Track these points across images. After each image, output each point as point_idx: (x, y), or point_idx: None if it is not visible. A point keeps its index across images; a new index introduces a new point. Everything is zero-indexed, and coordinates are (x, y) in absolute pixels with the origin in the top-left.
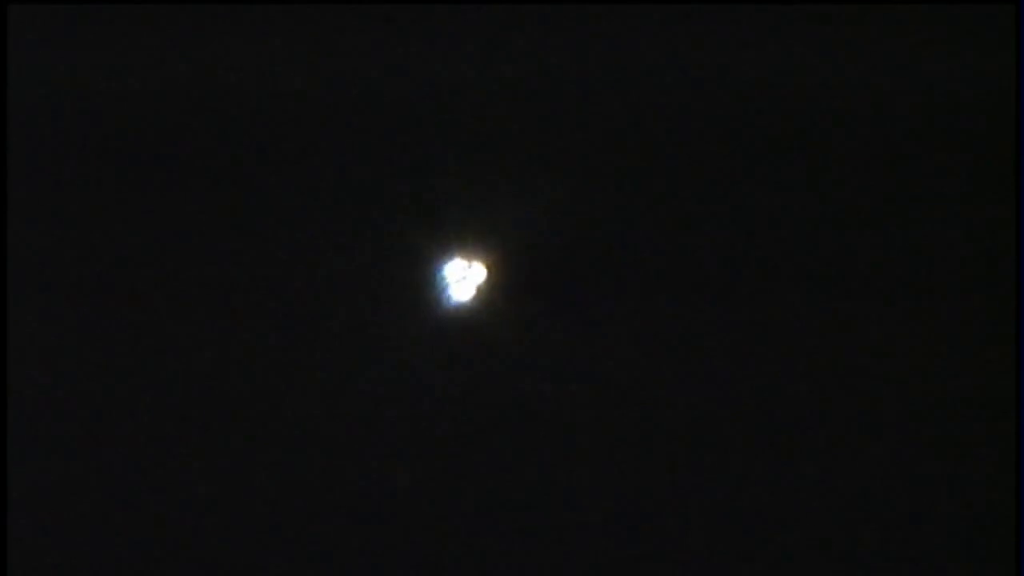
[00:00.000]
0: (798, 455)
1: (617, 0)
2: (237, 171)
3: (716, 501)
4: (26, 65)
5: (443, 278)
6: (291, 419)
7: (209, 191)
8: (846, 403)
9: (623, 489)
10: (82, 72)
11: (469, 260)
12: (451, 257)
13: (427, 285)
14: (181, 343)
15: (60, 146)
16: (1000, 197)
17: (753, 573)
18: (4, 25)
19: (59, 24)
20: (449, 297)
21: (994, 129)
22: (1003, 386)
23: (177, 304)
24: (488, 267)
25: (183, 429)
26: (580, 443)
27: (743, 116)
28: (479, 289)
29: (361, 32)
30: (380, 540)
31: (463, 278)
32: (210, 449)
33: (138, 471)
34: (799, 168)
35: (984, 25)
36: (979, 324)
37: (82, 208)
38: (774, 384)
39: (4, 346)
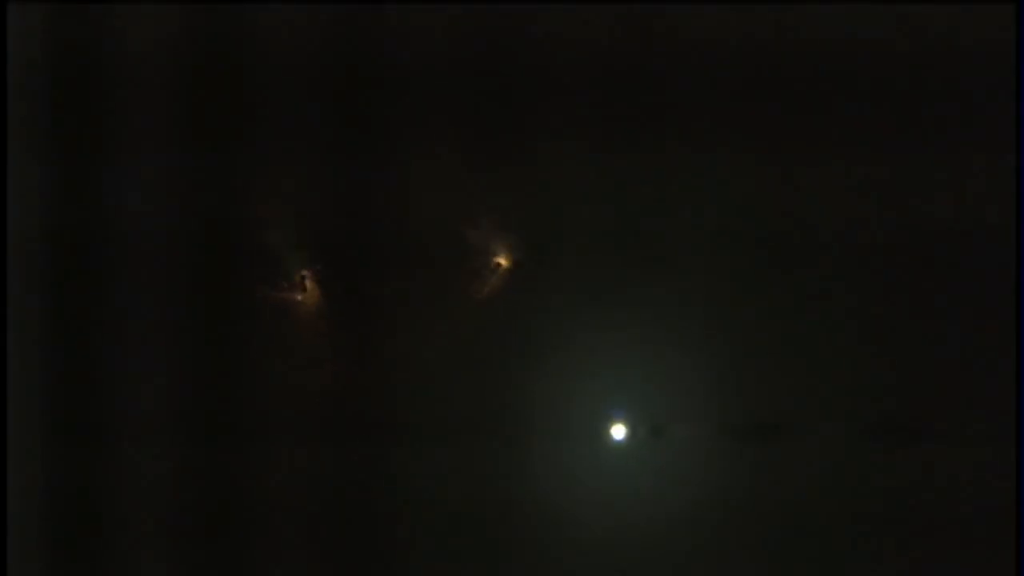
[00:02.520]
0: (802, 452)
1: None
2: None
3: (704, 500)
4: (26, 65)
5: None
6: (286, 412)
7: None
8: (845, 401)
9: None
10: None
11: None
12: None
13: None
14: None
15: (59, 146)
16: (1000, 198)
17: (749, 572)
18: (4, 25)
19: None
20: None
21: (994, 130)
22: (1003, 386)
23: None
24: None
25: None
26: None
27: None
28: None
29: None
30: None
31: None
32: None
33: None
34: (794, 157)
35: (984, 25)
36: (979, 325)
37: (82, 209)
38: (742, 376)
39: (4, 346)
